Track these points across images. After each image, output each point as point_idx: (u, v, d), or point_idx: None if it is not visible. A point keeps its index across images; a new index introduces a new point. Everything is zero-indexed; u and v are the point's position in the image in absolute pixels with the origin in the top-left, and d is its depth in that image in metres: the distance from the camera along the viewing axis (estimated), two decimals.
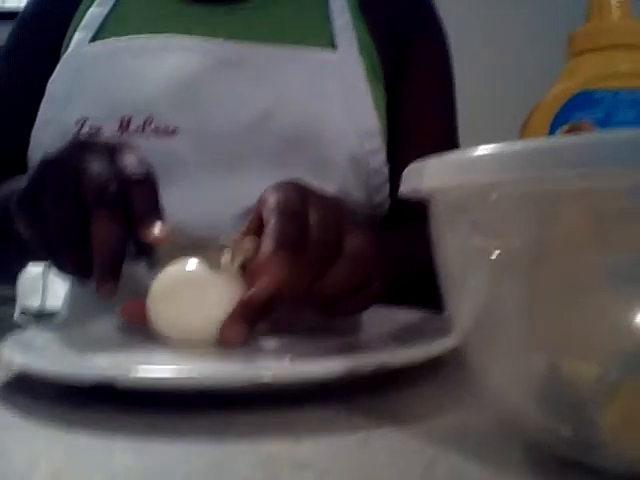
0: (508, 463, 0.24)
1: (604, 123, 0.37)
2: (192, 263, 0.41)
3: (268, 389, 0.31)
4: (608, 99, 0.37)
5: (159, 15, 0.67)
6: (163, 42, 0.64)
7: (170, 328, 0.40)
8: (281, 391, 0.31)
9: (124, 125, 0.60)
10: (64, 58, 0.65)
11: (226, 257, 0.40)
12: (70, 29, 0.68)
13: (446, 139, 0.70)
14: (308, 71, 0.64)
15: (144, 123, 0.61)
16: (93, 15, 0.67)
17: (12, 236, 0.45)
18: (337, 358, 0.32)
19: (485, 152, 0.21)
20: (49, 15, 0.70)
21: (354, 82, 0.64)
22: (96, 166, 0.42)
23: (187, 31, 0.65)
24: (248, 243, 0.41)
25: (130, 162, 0.43)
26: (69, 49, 0.66)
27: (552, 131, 0.38)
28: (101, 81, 0.63)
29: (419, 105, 0.69)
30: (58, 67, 0.65)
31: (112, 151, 0.44)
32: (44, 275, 1.84)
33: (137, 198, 0.41)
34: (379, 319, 0.45)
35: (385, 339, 0.41)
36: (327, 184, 0.59)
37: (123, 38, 0.65)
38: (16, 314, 1.86)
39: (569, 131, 0.37)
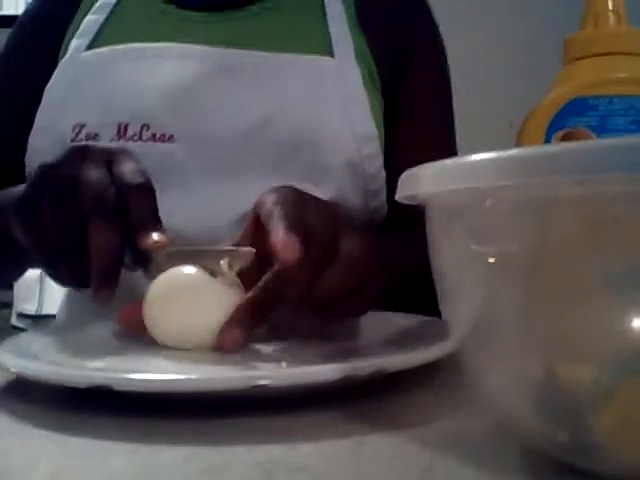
0: (505, 467, 0.25)
1: (599, 129, 0.37)
2: (189, 270, 0.41)
3: (265, 393, 0.31)
4: (603, 105, 0.37)
5: (156, 22, 0.67)
6: (160, 49, 0.64)
7: (166, 334, 0.40)
8: (278, 395, 0.31)
9: (121, 131, 0.61)
10: (61, 65, 0.65)
11: (223, 264, 0.40)
12: (68, 34, 0.68)
13: (444, 146, 0.70)
14: (306, 78, 0.64)
15: (141, 129, 0.61)
16: (90, 22, 0.67)
17: (10, 242, 0.45)
18: (334, 363, 0.32)
19: (481, 158, 0.21)
20: (49, 18, 0.71)
21: (352, 88, 0.64)
22: (94, 173, 0.42)
23: (185, 38, 0.65)
24: (245, 250, 0.41)
25: (128, 169, 0.43)
26: (66, 55, 0.66)
27: (547, 137, 0.38)
28: (98, 88, 0.63)
29: (417, 113, 0.69)
30: (55, 74, 0.65)
31: (110, 158, 0.44)
32: (41, 279, 1.84)
33: (135, 205, 0.42)
34: (376, 324, 0.45)
35: (382, 344, 0.41)
36: (324, 189, 0.59)
37: (120, 45, 0.65)
38: (13, 318, 1.86)
39: (565, 137, 0.37)
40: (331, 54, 0.66)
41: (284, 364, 0.37)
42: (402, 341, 0.40)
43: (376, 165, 0.64)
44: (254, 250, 0.41)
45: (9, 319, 1.86)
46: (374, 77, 0.67)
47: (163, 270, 0.41)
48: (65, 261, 0.42)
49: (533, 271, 0.21)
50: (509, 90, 1.60)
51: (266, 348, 0.40)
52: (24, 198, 0.44)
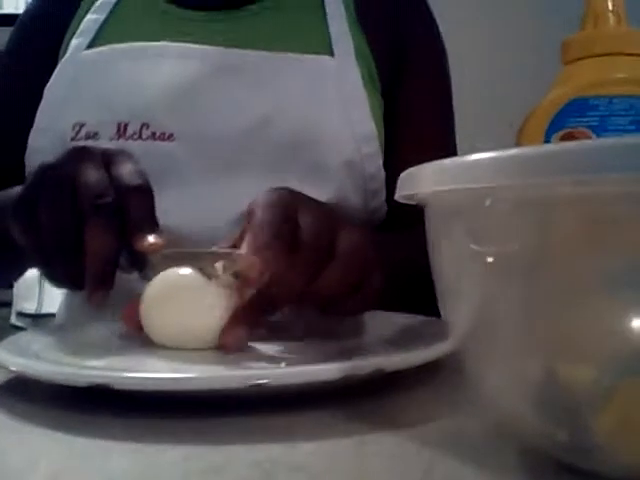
0: (505, 467, 0.25)
1: (599, 129, 0.37)
2: (185, 271, 0.41)
3: (265, 392, 0.31)
4: (603, 106, 0.37)
5: (156, 21, 0.67)
6: (160, 48, 0.64)
7: (163, 334, 0.40)
8: (278, 394, 0.31)
9: (121, 130, 0.61)
10: (61, 64, 0.65)
11: (219, 266, 0.40)
12: (68, 34, 0.68)
13: (444, 147, 0.70)
14: (306, 77, 0.64)
15: (141, 128, 0.61)
16: (90, 22, 0.67)
17: (10, 243, 0.45)
18: (334, 362, 0.32)
19: (480, 158, 0.21)
20: (49, 18, 0.71)
21: (351, 88, 0.64)
22: (92, 174, 0.42)
23: (185, 37, 0.65)
24: (241, 252, 0.41)
25: (126, 171, 0.43)
26: (66, 55, 0.66)
27: (547, 137, 0.38)
28: (98, 87, 0.63)
29: (417, 113, 0.69)
30: (55, 73, 0.65)
31: (108, 159, 0.44)
32: (41, 278, 1.84)
33: (132, 207, 0.41)
34: (376, 324, 0.45)
35: (382, 343, 0.41)
36: (323, 189, 0.59)
37: (120, 44, 0.65)
38: (12, 317, 1.85)
39: (564, 138, 0.37)
40: (331, 53, 0.66)
41: (284, 364, 0.37)
42: (402, 341, 0.40)
43: (376, 165, 0.64)
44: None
45: (9, 318, 1.85)
46: (374, 77, 0.67)
47: (158, 272, 0.41)
48: (61, 262, 0.42)
49: (533, 271, 0.21)
50: (509, 90, 1.60)
51: (266, 348, 0.40)
52: (22, 198, 0.44)
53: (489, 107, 1.66)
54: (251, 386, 0.30)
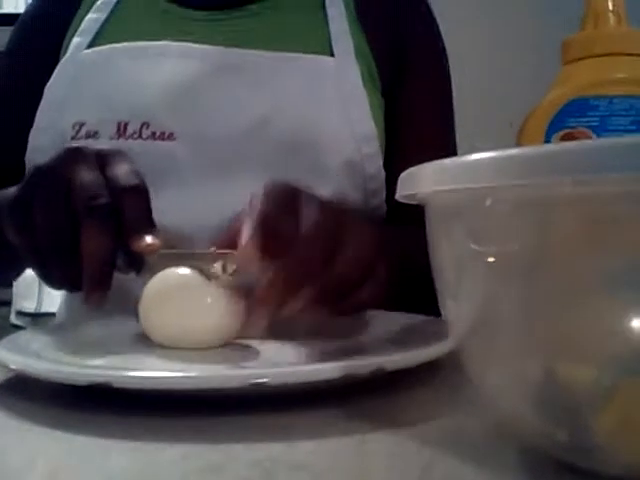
0: (504, 466, 0.25)
1: (599, 130, 0.37)
2: (183, 270, 0.41)
3: (265, 391, 0.31)
4: (603, 106, 0.37)
5: (157, 21, 0.67)
6: (161, 48, 0.64)
7: (162, 334, 0.40)
8: (278, 394, 0.31)
9: (121, 130, 0.61)
10: (62, 63, 0.65)
11: (217, 266, 0.40)
12: (68, 34, 0.68)
13: (444, 147, 0.70)
14: (306, 77, 0.64)
15: (141, 128, 0.61)
16: (91, 21, 0.67)
17: (7, 243, 0.45)
18: (334, 361, 0.32)
19: (480, 158, 0.21)
20: (49, 17, 0.71)
21: (351, 88, 0.64)
22: (87, 175, 0.42)
23: (185, 37, 0.65)
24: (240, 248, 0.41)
25: (122, 171, 0.43)
26: (67, 54, 0.66)
27: (547, 137, 0.38)
28: (98, 86, 0.63)
29: (418, 114, 0.69)
30: (55, 72, 0.65)
31: (103, 160, 0.44)
32: None
33: (128, 208, 0.41)
34: (377, 323, 0.45)
35: (383, 342, 0.41)
36: (323, 188, 0.59)
37: (121, 44, 0.65)
38: (12, 316, 1.85)
39: (564, 138, 0.37)
40: (331, 53, 0.66)
41: (284, 363, 0.37)
42: (402, 340, 0.40)
43: (375, 164, 0.64)
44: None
45: (8, 317, 1.85)
46: (374, 76, 0.67)
47: (156, 273, 0.41)
48: (57, 263, 0.42)
49: (533, 271, 0.21)
50: (509, 90, 1.60)
51: (266, 347, 0.40)
52: (17, 199, 0.43)
53: (489, 107, 1.66)
54: (251, 385, 0.30)
